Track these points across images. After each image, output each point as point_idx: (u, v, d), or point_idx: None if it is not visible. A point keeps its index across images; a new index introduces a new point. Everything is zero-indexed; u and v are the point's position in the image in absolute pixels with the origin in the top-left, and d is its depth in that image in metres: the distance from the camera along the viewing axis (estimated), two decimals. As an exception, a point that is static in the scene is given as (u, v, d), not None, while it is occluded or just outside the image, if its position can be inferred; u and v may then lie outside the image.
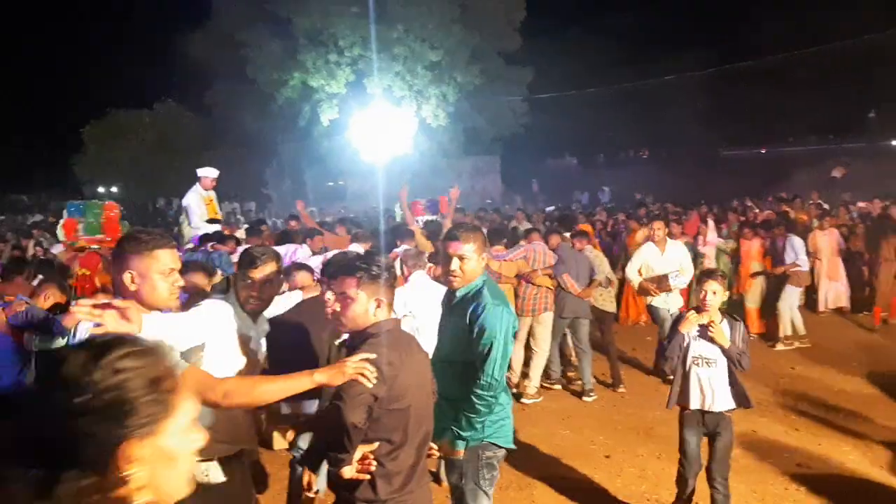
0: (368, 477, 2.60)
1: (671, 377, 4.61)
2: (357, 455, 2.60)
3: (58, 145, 30.21)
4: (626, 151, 37.67)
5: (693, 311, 4.32)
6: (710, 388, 4.19)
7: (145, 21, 36.45)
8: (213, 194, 9.45)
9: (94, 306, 2.18)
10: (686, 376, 4.32)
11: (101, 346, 1.15)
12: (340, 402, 2.53)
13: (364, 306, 2.73)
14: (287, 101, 24.21)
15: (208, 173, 9.43)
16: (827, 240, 10.29)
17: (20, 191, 39.79)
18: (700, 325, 4.24)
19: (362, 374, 2.49)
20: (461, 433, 3.27)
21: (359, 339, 2.76)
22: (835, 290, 10.43)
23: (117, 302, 2.28)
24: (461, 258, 3.25)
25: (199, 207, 9.29)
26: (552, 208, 19.60)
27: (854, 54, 26.78)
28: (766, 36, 27.93)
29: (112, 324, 2.17)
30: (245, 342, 3.19)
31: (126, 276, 2.51)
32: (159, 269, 2.52)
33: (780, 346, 8.66)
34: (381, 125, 18.42)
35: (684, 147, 30.90)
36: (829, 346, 8.74)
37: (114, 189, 30.92)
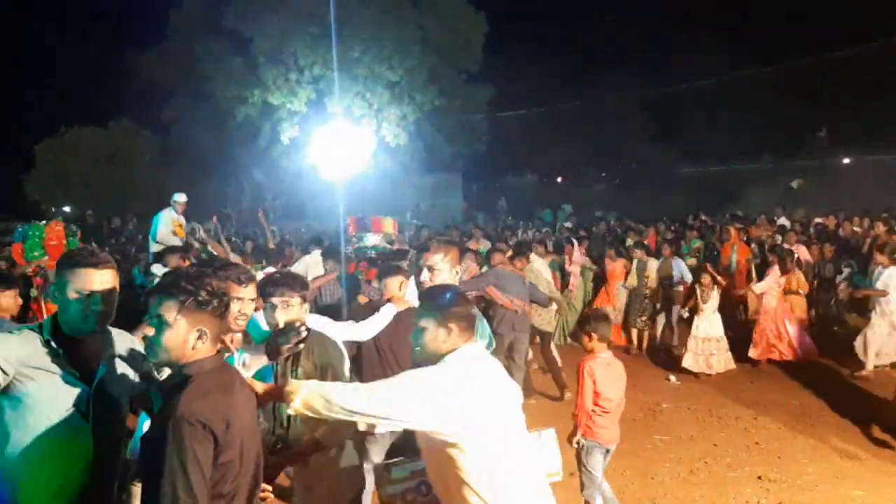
0: None
1: None
2: None
3: (8, 164, 29.28)
4: (586, 168, 38.04)
5: None
6: None
7: (100, 38, 35.81)
8: (182, 219, 10.30)
9: None
10: None
11: None
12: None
13: (183, 336, 2.32)
14: (247, 119, 23.96)
15: (181, 198, 10.34)
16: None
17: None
18: None
19: None
20: None
21: (174, 379, 2.37)
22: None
23: None
24: (431, 269, 3.54)
25: (165, 226, 10.07)
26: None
27: (804, 75, 27.62)
28: (719, 56, 28.58)
29: None
30: None
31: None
32: None
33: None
34: (341, 144, 18.28)
35: (642, 165, 31.32)
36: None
37: (66, 209, 30.12)
